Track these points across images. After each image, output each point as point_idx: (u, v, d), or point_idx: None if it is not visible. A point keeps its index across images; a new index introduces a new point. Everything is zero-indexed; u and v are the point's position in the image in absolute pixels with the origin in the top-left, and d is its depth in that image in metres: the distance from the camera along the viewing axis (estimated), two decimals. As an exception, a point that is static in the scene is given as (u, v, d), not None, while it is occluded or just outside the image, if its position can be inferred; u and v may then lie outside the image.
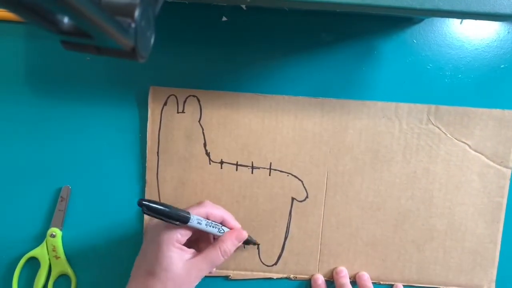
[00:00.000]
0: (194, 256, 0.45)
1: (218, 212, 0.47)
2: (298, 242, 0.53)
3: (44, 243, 0.53)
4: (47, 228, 0.53)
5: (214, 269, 0.51)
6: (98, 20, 0.21)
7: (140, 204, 0.41)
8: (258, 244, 0.53)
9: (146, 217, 0.53)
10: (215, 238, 0.49)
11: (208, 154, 0.52)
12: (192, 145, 0.52)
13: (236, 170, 0.52)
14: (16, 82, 0.52)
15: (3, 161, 0.53)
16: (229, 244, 0.47)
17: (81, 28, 0.23)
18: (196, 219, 0.44)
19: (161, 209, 0.42)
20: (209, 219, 0.46)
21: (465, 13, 0.37)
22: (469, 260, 0.53)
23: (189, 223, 0.43)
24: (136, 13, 0.23)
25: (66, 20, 0.23)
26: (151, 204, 0.41)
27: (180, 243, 0.45)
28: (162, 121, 0.52)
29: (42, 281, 0.53)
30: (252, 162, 0.52)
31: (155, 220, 0.45)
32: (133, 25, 0.24)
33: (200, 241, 0.49)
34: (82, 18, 0.20)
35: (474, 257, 0.53)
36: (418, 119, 0.51)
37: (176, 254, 0.44)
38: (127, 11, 0.23)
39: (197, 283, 0.46)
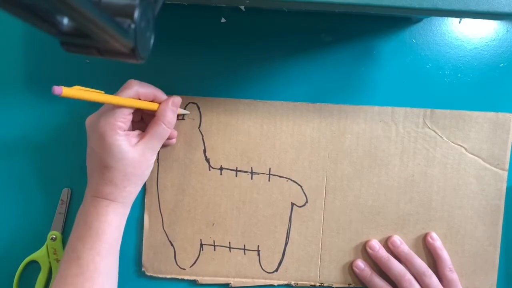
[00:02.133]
0: (141, 137, 0.45)
1: (148, 89, 0.46)
2: (298, 248, 0.54)
3: (44, 246, 0.53)
4: (48, 231, 0.53)
5: (174, 140, 0.52)
6: (97, 21, 0.21)
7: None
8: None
9: (145, 216, 0.53)
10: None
11: (207, 160, 0.53)
12: (192, 152, 0.52)
13: (236, 176, 0.53)
14: (16, 84, 0.53)
15: (3, 165, 0.53)
16: (169, 112, 0.46)
17: (80, 29, 0.23)
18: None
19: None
20: (140, 99, 0.46)
21: (464, 12, 0.37)
22: (469, 263, 0.53)
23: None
24: (136, 14, 0.24)
25: (65, 21, 0.23)
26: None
27: (124, 130, 0.44)
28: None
29: (43, 284, 0.53)
30: (252, 168, 0.53)
31: (93, 117, 0.45)
32: (132, 26, 0.24)
33: (143, 123, 0.50)
34: (82, 19, 0.21)
35: (474, 260, 0.53)
36: (414, 123, 0.52)
37: (123, 141, 0.43)
38: (127, 12, 0.24)
39: (153, 161, 0.47)
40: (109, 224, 0.44)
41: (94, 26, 0.21)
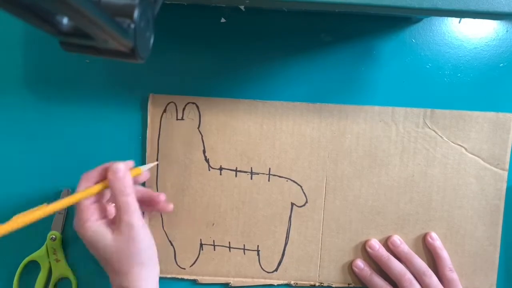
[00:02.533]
0: (116, 219, 0.43)
1: (94, 172, 0.44)
2: (298, 248, 0.54)
3: (44, 246, 0.53)
4: (47, 231, 0.53)
5: (171, 205, 0.50)
6: (97, 20, 0.21)
7: None
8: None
9: (145, 216, 0.53)
10: None
11: (207, 160, 0.53)
12: (191, 152, 0.52)
13: (236, 176, 0.53)
14: (15, 85, 0.53)
15: (2, 165, 0.53)
16: (117, 184, 0.42)
17: (80, 29, 0.23)
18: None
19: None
20: (97, 182, 0.43)
21: (464, 12, 0.37)
22: (469, 263, 0.53)
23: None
24: (135, 13, 0.24)
25: (65, 21, 0.23)
26: None
27: (95, 220, 0.43)
28: (161, 128, 0.52)
29: (43, 284, 0.53)
30: (251, 168, 0.53)
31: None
32: (132, 25, 0.24)
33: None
34: (82, 19, 0.21)
35: (474, 260, 0.53)
36: (414, 123, 0.52)
37: (97, 233, 0.42)
38: (126, 11, 0.24)
39: (144, 234, 0.43)
40: None
41: (94, 25, 0.21)
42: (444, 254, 0.52)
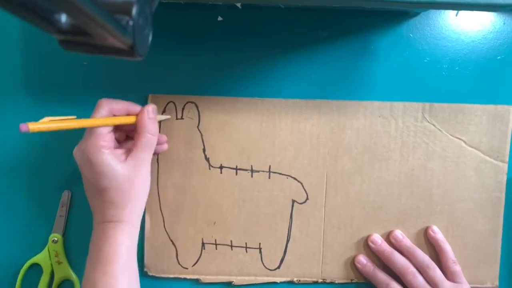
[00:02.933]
0: (128, 152, 0.45)
1: (120, 105, 0.45)
2: (300, 245, 0.54)
3: (46, 249, 0.53)
4: (49, 234, 0.53)
5: (165, 145, 0.51)
6: (96, 17, 0.21)
7: None
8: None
9: (146, 216, 0.53)
10: None
11: (207, 159, 0.53)
12: (191, 151, 0.52)
13: (236, 174, 0.53)
14: (13, 88, 0.53)
15: (1, 168, 0.53)
16: (149, 122, 0.46)
17: (79, 27, 0.23)
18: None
19: None
20: (115, 115, 0.45)
21: (461, 4, 0.37)
22: (472, 256, 0.53)
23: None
24: (134, 10, 0.24)
25: (64, 19, 0.23)
26: None
27: (109, 149, 0.43)
28: (161, 128, 0.52)
29: (45, 287, 0.53)
30: (252, 165, 0.53)
31: (77, 146, 0.45)
32: (130, 22, 0.24)
33: (130, 140, 0.49)
34: (81, 16, 0.21)
35: (476, 253, 0.53)
36: (413, 117, 0.52)
37: (111, 159, 0.43)
38: (125, 8, 0.24)
39: (148, 175, 0.46)
40: (119, 245, 0.44)
41: (93, 22, 0.21)
42: (447, 247, 0.52)
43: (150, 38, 0.28)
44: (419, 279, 0.50)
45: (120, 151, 0.45)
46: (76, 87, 0.53)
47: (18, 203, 0.53)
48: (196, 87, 0.53)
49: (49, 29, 0.23)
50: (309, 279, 0.54)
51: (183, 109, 0.52)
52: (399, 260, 0.51)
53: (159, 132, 0.52)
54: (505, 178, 0.52)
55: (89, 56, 0.51)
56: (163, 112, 0.52)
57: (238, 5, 0.48)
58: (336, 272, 0.54)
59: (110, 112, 0.44)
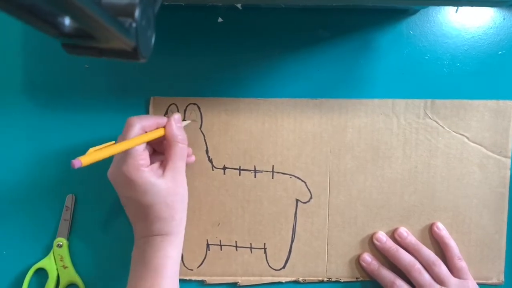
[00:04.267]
0: (164, 166, 0.45)
1: (149, 120, 0.46)
2: (305, 244, 0.54)
3: (51, 253, 0.53)
4: (54, 238, 0.53)
5: (193, 157, 0.52)
6: (100, 19, 0.21)
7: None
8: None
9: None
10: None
11: (210, 160, 0.53)
12: (194, 153, 0.52)
13: (239, 175, 0.53)
14: (16, 92, 0.53)
15: (5, 172, 0.54)
16: (177, 131, 0.46)
17: (82, 30, 0.23)
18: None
19: None
20: (146, 131, 0.46)
21: (460, 0, 0.37)
22: (476, 252, 0.53)
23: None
24: (137, 12, 0.24)
25: (67, 22, 0.23)
26: None
27: (147, 166, 0.44)
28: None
29: (51, 291, 0.54)
30: (255, 166, 0.53)
31: (112, 168, 0.45)
32: (134, 24, 0.24)
33: (157, 154, 0.50)
34: (85, 18, 0.21)
35: (481, 249, 0.53)
36: (415, 114, 0.52)
37: (151, 176, 0.43)
38: (127, 11, 0.24)
39: (185, 182, 0.47)
40: (168, 258, 0.44)
41: (96, 25, 0.21)
42: (452, 243, 0.52)
43: (153, 40, 0.28)
44: (425, 276, 0.50)
45: (155, 166, 0.45)
46: (78, 90, 0.53)
47: (22, 207, 0.53)
48: (197, 89, 0.53)
49: (53, 33, 0.23)
50: (314, 278, 0.54)
51: (185, 111, 0.52)
52: (405, 257, 0.51)
53: None
54: (508, 173, 0.52)
55: (91, 60, 0.52)
56: (166, 114, 0.52)
57: (239, 6, 0.48)
58: (341, 271, 0.54)
59: (142, 130, 0.45)
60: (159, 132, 0.46)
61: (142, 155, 0.44)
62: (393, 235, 0.53)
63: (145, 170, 0.43)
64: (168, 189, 0.44)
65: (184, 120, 0.52)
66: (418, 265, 0.50)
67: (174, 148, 0.45)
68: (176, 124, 0.47)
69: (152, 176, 0.43)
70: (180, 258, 0.47)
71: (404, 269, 0.51)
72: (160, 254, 0.44)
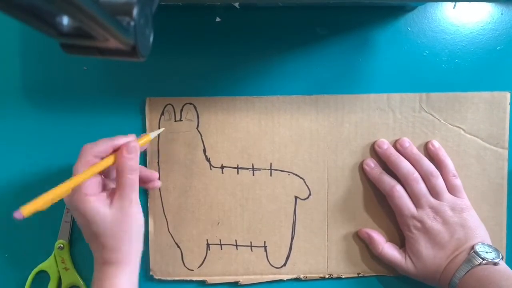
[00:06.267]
0: (112, 193, 0.44)
1: (102, 146, 0.44)
2: (305, 241, 0.54)
3: (52, 255, 0.53)
4: (55, 240, 0.53)
5: (158, 182, 0.52)
6: (98, 18, 0.21)
7: None
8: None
9: (150, 220, 0.53)
10: None
11: (208, 160, 0.53)
12: (192, 152, 0.52)
13: (237, 173, 0.53)
14: (13, 94, 0.53)
15: (4, 174, 0.53)
16: (127, 161, 0.44)
17: (81, 30, 0.23)
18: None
19: None
20: (103, 157, 0.44)
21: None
22: (476, 243, 0.53)
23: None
24: (135, 11, 0.24)
25: (65, 22, 0.23)
26: None
27: (94, 195, 0.43)
28: (160, 136, 0.52)
29: (53, 293, 0.53)
30: (253, 164, 0.53)
31: (67, 197, 0.44)
32: (132, 23, 0.24)
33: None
34: (84, 17, 0.20)
35: (480, 240, 0.53)
36: (411, 108, 0.52)
37: (97, 206, 0.42)
38: (125, 9, 0.24)
39: (139, 213, 0.45)
40: (120, 285, 0.43)
41: (95, 24, 0.21)
42: (447, 160, 0.51)
43: (152, 38, 0.28)
44: (422, 186, 0.49)
45: (104, 195, 0.44)
46: (76, 92, 0.53)
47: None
48: (194, 88, 0.52)
49: (51, 32, 0.23)
50: (315, 275, 0.54)
51: (181, 110, 0.52)
52: (405, 165, 0.50)
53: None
54: (506, 164, 0.52)
55: (89, 61, 0.51)
56: (162, 115, 0.52)
57: (236, 5, 0.47)
58: (342, 267, 0.54)
59: (94, 157, 0.43)
60: (108, 161, 0.44)
61: (89, 184, 0.43)
62: (395, 145, 0.52)
63: (90, 200, 0.42)
64: (114, 219, 0.43)
65: (180, 120, 0.52)
66: (416, 174, 0.50)
67: (122, 179, 0.44)
68: (125, 154, 0.44)
69: (99, 205, 0.42)
70: (135, 286, 0.45)
71: (402, 176, 0.50)
72: (112, 282, 0.43)
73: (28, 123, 0.53)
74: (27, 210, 0.35)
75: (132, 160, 0.44)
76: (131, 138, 0.46)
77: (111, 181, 0.49)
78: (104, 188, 0.46)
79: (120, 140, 0.45)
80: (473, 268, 0.46)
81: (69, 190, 0.40)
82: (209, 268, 0.54)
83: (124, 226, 0.43)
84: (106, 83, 0.53)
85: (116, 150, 0.45)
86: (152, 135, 0.49)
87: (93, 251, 0.46)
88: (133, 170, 0.44)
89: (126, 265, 0.44)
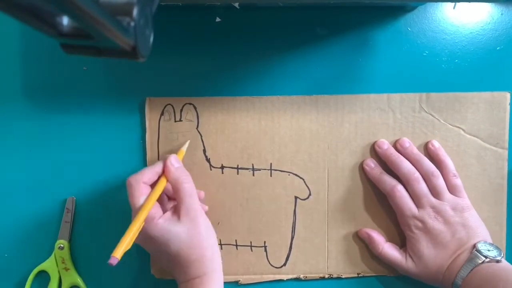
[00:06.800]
0: (177, 210, 0.45)
1: (148, 174, 0.46)
2: (305, 241, 0.53)
3: (52, 255, 0.53)
4: (55, 240, 0.53)
5: (205, 207, 0.52)
6: (99, 19, 0.21)
7: None
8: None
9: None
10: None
11: (208, 160, 0.53)
12: (191, 153, 0.52)
13: (237, 173, 0.53)
14: (13, 94, 0.53)
15: (5, 175, 0.53)
16: (176, 172, 0.46)
17: (81, 29, 0.23)
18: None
19: None
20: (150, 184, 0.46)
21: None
22: (476, 244, 0.53)
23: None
24: (135, 11, 0.24)
25: (65, 22, 0.23)
26: None
27: (160, 217, 0.44)
28: (160, 131, 0.52)
29: (53, 294, 0.53)
30: (253, 164, 0.53)
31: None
32: (132, 23, 0.24)
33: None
34: (83, 17, 0.20)
35: (481, 240, 0.53)
36: (411, 108, 0.52)
37: (168, 225, 0.44)
38: (126, 10, 0.24)
39: (204, 217, 0.46)
40: None
41: (95, 24, 0.21)
42: (448, 160, 0.51)
43: (152, 39, 0.27)
44: (423, 186, 0.49)
45: (169, 214, 0.45)
46: (76, 93, 0.53)
47: (22, 210, 0.53)
48: (193, 88, 0.52)
49: (51, 32, 0.23)
50: (315, 275, 0.54)
51: (181, 111, 0.52)
52: (405, 165, 0.50)
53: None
54: (506, 164, 0.52)
55: (89, 61, 0.51)
56: (162, 115, 0.52)
57: (236, 5, 0.47)
58: (342, 267, 0.54)
59: (144, 186, 0.45)
60: (163, 183, 0.46)
61: (152, 210, 0.44)
62: (395, 145, 0.52)
63: (159, 223, 0.44)
64: (188, 233, 0.44)
65: (180, 120, 0.52)
66: (417, 174, 0.49)
67: (181, 191, 0.45)
68: (174, 166, 0.46)
69: (168, 224, 0.44)
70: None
71: (403, 176, 0.50)
72: None
73: (28, 123, 0.53)
74: (118, 253, 0.39)
75: (180, 169, 0.47)
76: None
77: (166, 203, 0.50)
78: (164, 209, 0.47)
79: (160, 164, 0.47)
80: (476, 267, 0.46)
81: (143, 222, 0.42)
82: (209, 268, 0.54)
83: (200, 235, 0.45)
84: (106, 83, 0.53)
85: (160, 176, 0.46)
86: (184, 148, 0.51)
87: (175, 272, 0.46)
88: (186, 178, 0.46)
89: (213, 272, 0.45)
